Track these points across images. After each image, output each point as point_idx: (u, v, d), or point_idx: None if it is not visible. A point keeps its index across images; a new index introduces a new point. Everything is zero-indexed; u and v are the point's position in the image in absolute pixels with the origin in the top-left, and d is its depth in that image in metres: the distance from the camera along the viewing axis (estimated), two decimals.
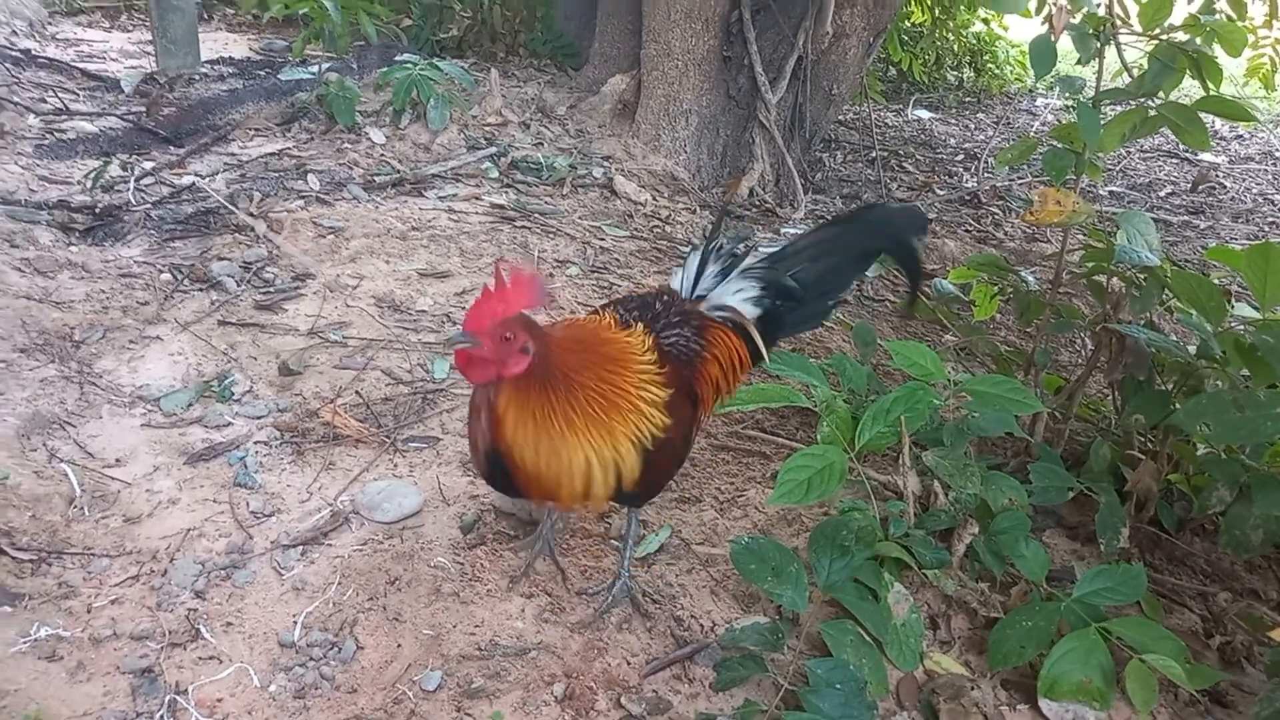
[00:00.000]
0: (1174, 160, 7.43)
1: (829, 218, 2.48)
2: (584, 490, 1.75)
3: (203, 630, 1.89)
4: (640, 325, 1.92)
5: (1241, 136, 8.39)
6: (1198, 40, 2.73)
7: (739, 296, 2.07)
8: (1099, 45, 2.67)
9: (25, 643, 1.79)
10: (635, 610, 2.06)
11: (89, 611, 1.91)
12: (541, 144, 5.15)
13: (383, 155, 4.65)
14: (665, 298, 2.05)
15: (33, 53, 5.84)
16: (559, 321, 1.90)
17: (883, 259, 2.25)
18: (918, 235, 2.20)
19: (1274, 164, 7.50)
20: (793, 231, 4.82)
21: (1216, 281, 2.96)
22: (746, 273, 2.07)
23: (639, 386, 1.79)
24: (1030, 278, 2.95)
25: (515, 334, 1.67)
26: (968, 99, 9.34)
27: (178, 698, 1.74)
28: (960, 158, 7.03)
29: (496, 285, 1.68)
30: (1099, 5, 2.72)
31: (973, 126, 8.28)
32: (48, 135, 4.55)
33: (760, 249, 2.15)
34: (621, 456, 1.76)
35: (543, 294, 1.73)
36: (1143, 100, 2.61)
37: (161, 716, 1.69)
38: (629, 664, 1.93)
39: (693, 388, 1.94)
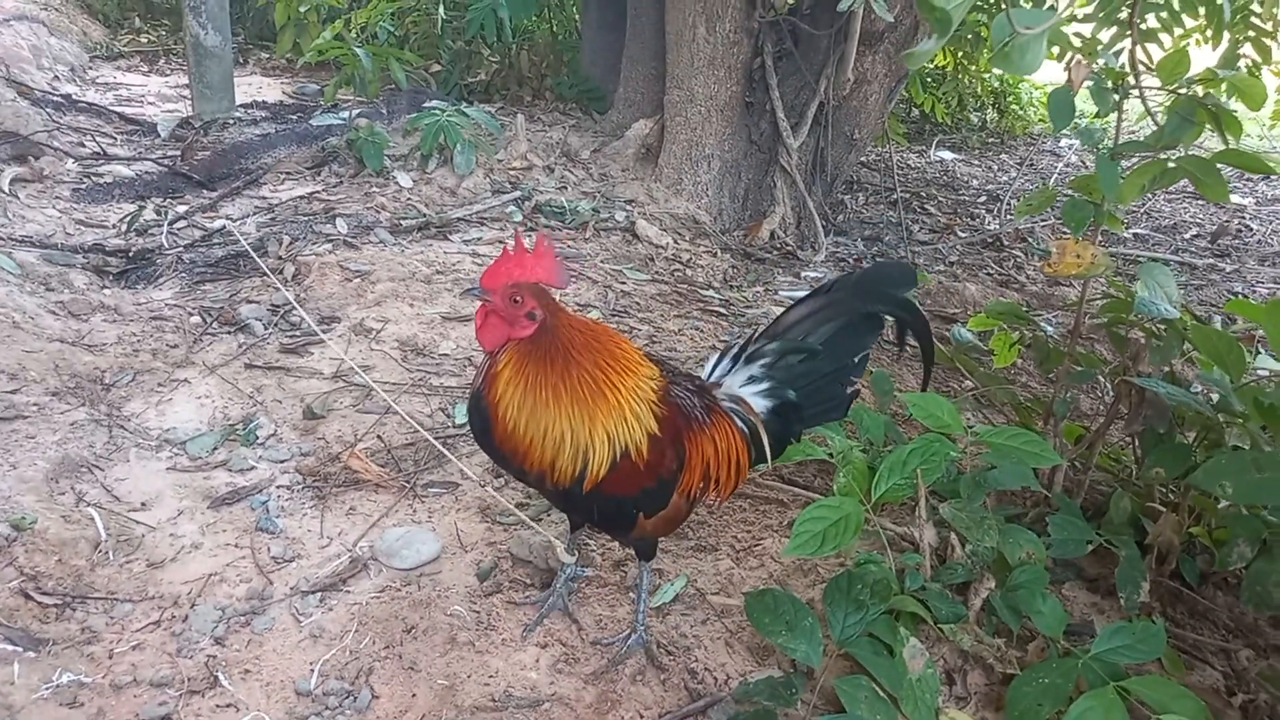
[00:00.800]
0: (1199, 202, 7.40)
1: (815, 286, 2.40)
2: (551, 461, 1.79)
3: (221, 678, 1.92)
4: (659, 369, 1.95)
5: (1269, 178, 8.34)
6: (1221, 92, 2.74)
7: (750, 389, 2.05)
8: (1117, 99, 2.69)
9: (48, 689, 1.82)
10: (650, 662, 2.07)
11: (110, 657, 1.94)
12: (565, 188, 5.22)
13: (409, 199, 4.74)
14: (691, 376, 2.07)
15: (73, 97, 6.02)
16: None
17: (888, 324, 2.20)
18: (906, 288, 2.12)
19: None
20: (813, 275, 4.84)
21: (1242, 328, 2.93)
22: (753, 357, 2.05)
23: (631, 391, 1.82)
24: (1049, 326, 2.95)
25: (524, 299, 1.76)
26: (991, 140, 9.37)
27: None
28: (983, 199, 7.04)
29: (516, 251, 1.77)
30: (1118, 55, 2.74)
31: (995, 167, 8.30)
32: (85, 179, 4.68)
33: (759, 330, 2.11)
34: (593, 447, 1.79)
35: (561, 271, 1.81)
36: (1162, 152, 2.62)
37: None
38: (642, 717, 1.93)
39: (682, 441, 1.91)
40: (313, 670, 1.96)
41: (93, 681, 1.86)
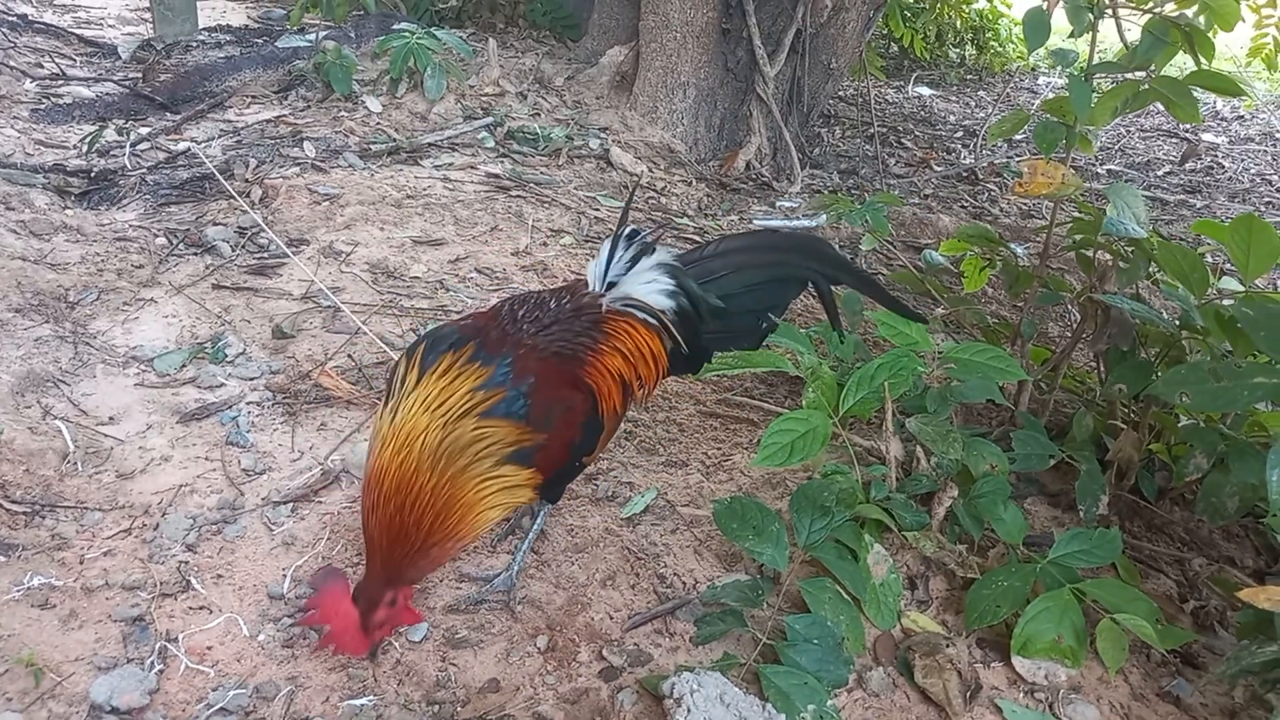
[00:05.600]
0: (1173, 140, 7.42)
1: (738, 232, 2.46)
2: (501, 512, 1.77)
3: (193, 582, 1.93)
4: (476, 362, 1.72)
5: (1242, 117, 8.38)
6: (1192, 13, 2.73)
7: (649, 288, 1.94)
8: (1092, 18, 2.67)
9: (19, 591, 1.82)
10: (506, 608, 1.97)
11: (81, 562, 1.94)
12: (538, 114, 5.14)
13: (379, 124, 4.66)
14: (565, 295, 1.93)
15: (29, 18, 5.83)
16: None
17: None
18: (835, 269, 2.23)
19: (1273, 144, 7.49)
20: (788, 205, 4.83)
21: (1207, 257, 2.96)
22: (659, 266, 1.96)
23: (466, 451, 1.66)
24: (1020, 250, 2.97)
25: (374, 599, 1.66)
26: (969, 76, 9.31)
27: (168, 645, 1.77)
28: (959, 135, 7.02)
29: (329, 614, 1.65)
30: None
31: (973, 104, 8.26)
32: (44, 100, 4.56)
33: (671, 249, 2.04)
34: (509, 486, 1.73)
35: (331, 577, 1.69)
36: (1135, 74, 2.61)
37: (152, 662, 1.73)
38: (611, 618, 1.97)
39: (582, 379, 1.84)
40: (285, 575, 1.98)
41: (64, 585, 1.87)
